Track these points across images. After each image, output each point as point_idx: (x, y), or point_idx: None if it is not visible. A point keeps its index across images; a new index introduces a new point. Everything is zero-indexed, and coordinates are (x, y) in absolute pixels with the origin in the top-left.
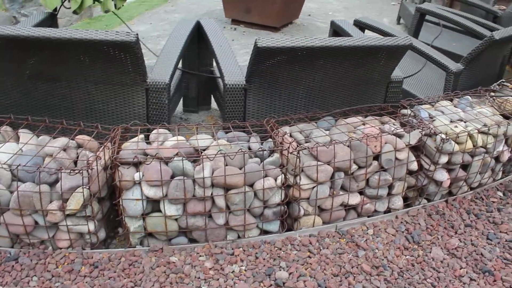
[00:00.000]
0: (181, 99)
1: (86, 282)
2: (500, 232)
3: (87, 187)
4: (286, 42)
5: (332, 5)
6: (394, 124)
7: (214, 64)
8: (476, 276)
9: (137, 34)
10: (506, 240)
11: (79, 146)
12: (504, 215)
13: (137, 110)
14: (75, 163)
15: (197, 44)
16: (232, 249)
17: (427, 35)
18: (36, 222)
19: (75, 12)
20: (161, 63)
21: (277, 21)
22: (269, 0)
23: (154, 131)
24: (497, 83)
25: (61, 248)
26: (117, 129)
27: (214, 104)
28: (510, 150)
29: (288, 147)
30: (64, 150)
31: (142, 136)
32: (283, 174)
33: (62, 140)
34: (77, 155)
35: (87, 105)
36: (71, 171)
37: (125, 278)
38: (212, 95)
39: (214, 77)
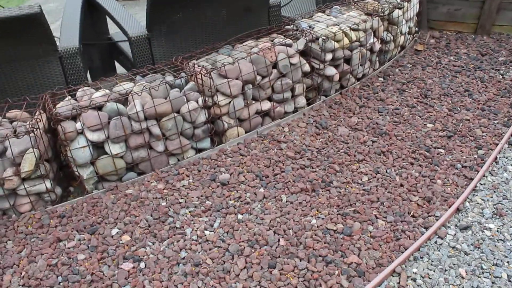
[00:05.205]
0: (87, 72)
1: (60, 230)
2: (387, 105)
3: (36, 147)
4: None
5: None
6: (282, 38)
7: (111, 31)
8: (376, 138)
9: (39, 5)
10: (392, 109)
11: (11, 121)
12: (387, 93)
13: (56, 79)
14: (15, 132)
15: (90, 16)
16: (177, 170)
17: None
18: None
19: None
20: (66, 32)
21: None
22: None
23: (80, 90)
24: None
25: (24, 213)
26: (45, 95)
27: (119, 69)
28: (379, 41)
29: (201, 72)
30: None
31: (69, 97)
32: (201, 96)
33: None
34: (14, 128)
35: (5, 85)
36: (19, 134)
37: (93, 217)
38: (115, 61)
39: (115, 43)
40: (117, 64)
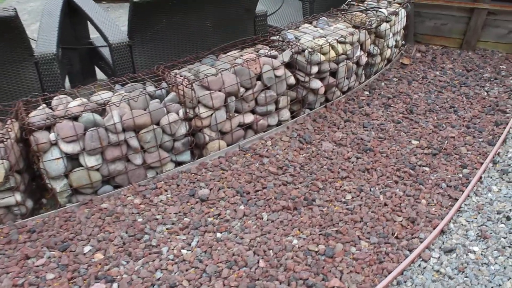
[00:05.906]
0: (66, 77)
1: (29, 246)
2: (372, 120)
3: (6, 158)
4: None
5: None
6: (267, 49)
7: (92, 36)
8: (360, 155)
9: (15, 8)
10: (377, 125)
11: None
12: (372, 108)
13: (31, 85)
14: None
15: (70, 19)
16: (155, 184)
17: None
18: None
19: None
20: (43, 37)
21: None
22: None
23: (55, 98)
24: (345, 3)
25: None
26: (18, 103)
27: (99, 75)
28: (366, 55)
29: (182, 83)
30: None
31: (44, 105)
32: (183, 108)
33: None
34: None
35: None
36: None
37: (65, 232)
38: (96, 66)
39: (95, 48)
40: (98, 70)
